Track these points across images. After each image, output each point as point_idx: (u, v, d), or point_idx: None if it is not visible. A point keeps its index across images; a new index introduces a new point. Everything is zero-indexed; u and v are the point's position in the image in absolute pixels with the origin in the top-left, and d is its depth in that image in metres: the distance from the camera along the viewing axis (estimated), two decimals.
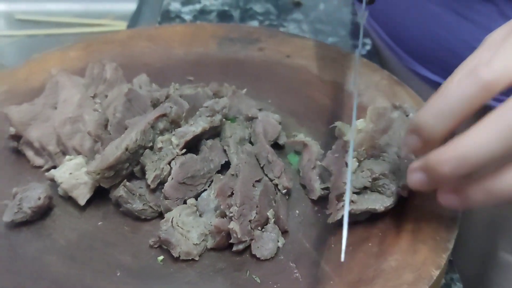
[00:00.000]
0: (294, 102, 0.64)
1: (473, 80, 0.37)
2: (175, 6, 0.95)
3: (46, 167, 0.55)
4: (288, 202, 0.52)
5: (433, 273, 0.44)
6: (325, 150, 0.53)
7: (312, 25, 0.91)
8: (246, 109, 0.59)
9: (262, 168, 0.52)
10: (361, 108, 0.61)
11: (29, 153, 0.55)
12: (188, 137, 0.51)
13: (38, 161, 0.55)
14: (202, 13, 0.94)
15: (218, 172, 0.52)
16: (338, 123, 0.51)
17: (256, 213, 0.47)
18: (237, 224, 0.45)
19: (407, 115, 0.52)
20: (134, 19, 0.98)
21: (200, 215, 0.49)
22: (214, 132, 0.54)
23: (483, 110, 0.39)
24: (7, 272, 0.45)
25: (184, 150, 0.51)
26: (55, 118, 0.56)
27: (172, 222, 0.47)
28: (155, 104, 0.56)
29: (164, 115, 0.52)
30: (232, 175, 0.49)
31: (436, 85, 0.64)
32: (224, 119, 0.55)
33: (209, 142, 0.53)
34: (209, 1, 0.97)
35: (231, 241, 0.46)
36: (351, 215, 0.45)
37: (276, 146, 0.57)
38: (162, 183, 0.50)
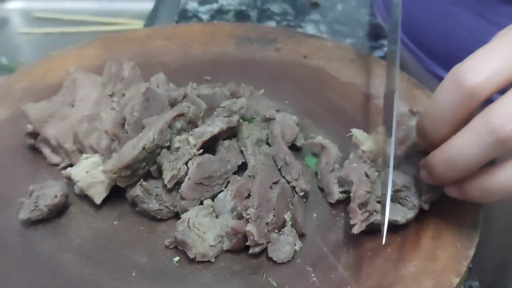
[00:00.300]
0: (312, 103, 0.63)
1: (457, 87, 0.38)
2: (192, 5, 0.95)
3: (62, 165, 0.55)
4: (306, 205, 0.51)
5: (453, 280, 0.43)
6: (344, 153, 0.52)
7: (330, 26, 0.90)
8: (264, 110, 0.58)
9: (279, 170, 0.51)
10: (378, 110, 0.60)
11: (46, 151, 0.55)
12: (206, 137, 0.51)
13: (54, 159, 0.55)
14: (219, 13, 0.93)
15: (234, 173, 0.52)
16: (354, 131, 0.49)
17: (273, 215, 0.46)
18: (254, 226, 0.45)
19: None
20: (151, 18, 0.98)
21: (216, 216, 0.48)
22: (231, 133, 0.54)
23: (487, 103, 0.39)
24: (23, 270, 0.45)
25: (201, 151, 0.50)
26: (72, 116, 0.56)
27: (188, 222, 0.46)
28: (172, 104, 0.55)
29: (181, 114, 0.51)
30: (249, 176, 0.48)
31: None
32: (241, 120, 0.54)
33: (226, 142, 0.53)
34: (227, 1, 0.97)
35: (247, 243, 0.46)
36: (375, 225, 0.45)
37: (294, 147, 0.56)
38: (178, 183, 0.49)
